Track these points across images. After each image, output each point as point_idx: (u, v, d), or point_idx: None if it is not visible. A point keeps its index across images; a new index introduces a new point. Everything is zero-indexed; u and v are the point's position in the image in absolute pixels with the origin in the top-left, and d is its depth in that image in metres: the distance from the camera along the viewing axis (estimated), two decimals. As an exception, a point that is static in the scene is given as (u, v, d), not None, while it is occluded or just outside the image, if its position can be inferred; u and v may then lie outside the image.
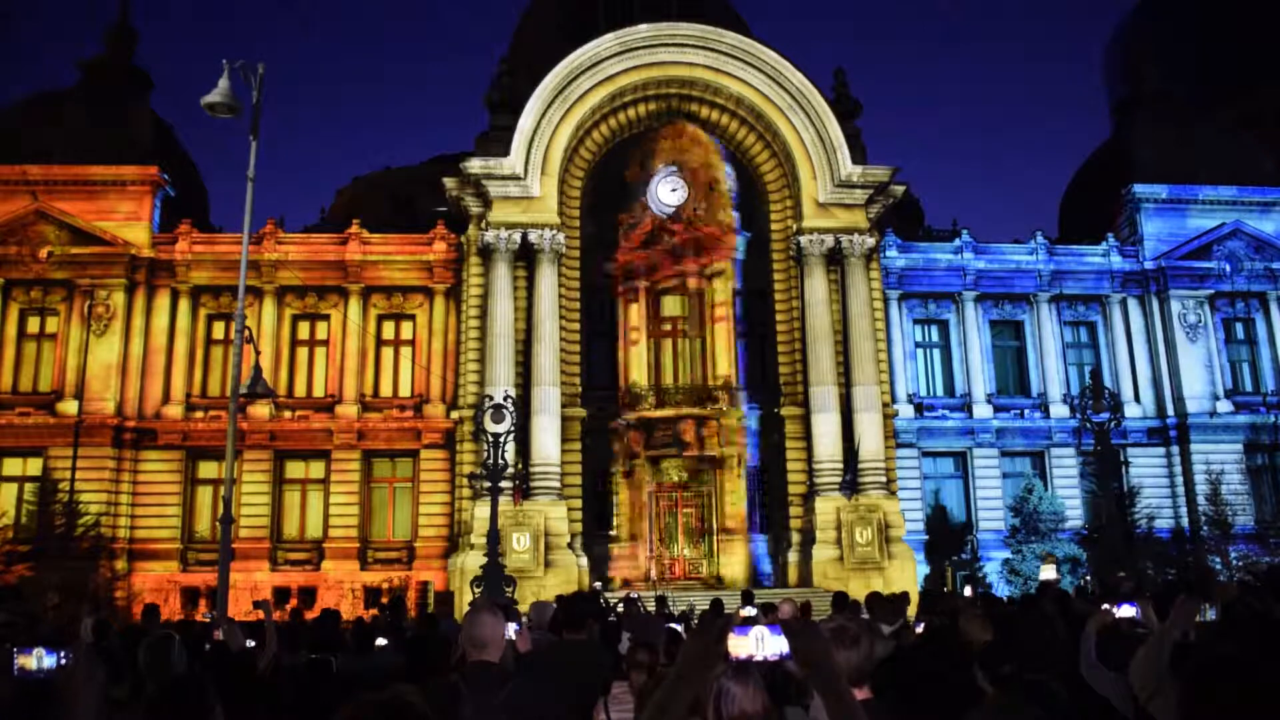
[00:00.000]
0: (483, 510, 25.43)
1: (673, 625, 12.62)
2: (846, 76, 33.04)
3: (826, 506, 28.92)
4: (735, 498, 30.84)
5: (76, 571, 26.85)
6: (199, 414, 31.65)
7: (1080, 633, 5.68)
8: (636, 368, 31.53)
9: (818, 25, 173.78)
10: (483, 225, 30.46)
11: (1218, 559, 30.40)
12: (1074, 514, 32.63)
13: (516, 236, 29.93)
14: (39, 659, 3.86)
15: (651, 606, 18.89)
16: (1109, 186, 37.27)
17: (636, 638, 6.72)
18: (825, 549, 28.57)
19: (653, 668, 5.10)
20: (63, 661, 3.85)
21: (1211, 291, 35.37)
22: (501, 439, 22.53)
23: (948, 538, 31.80)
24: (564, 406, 29.55)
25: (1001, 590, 28.65)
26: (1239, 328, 36.08)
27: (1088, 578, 28.46)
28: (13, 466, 30.67)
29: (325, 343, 32.96)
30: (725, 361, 31.60)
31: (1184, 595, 6.28)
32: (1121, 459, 33.45)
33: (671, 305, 32.67)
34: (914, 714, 4.44)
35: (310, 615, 15.72)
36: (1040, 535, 30.70)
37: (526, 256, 30.27)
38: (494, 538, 21.95)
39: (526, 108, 30.38)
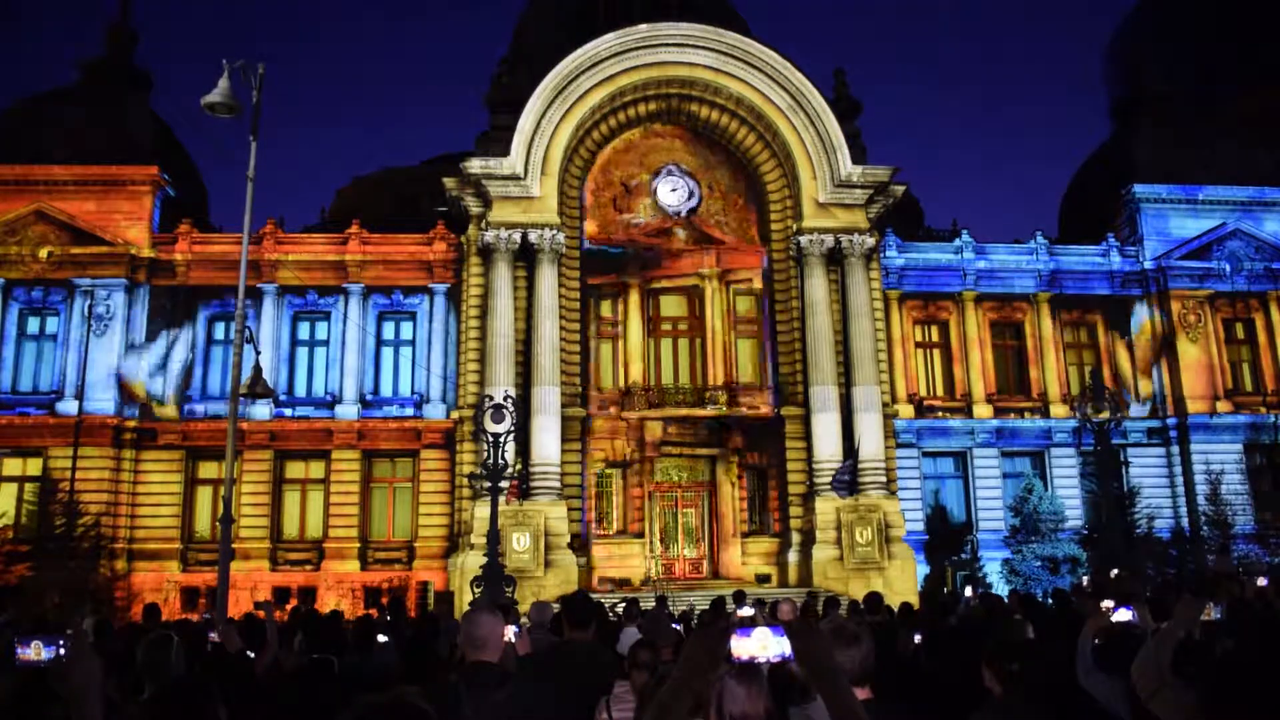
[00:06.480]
0: (483, 510, 25.43)
1: (674, 626, 12.60)
2: (846, 76, 33.04)
3: (826, 506, 28.91)
4: (734, 498, 30.88)
5: (76, 571, 26.83)
6: (199, 414, 31.66)
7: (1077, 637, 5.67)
8: (636, 367, 31.55)
9: (818, 25, 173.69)
10: (483, 225, 30.44)
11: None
12: (1074, 514, 32.59)
13: (516, 236, 29.91)
14: (38, 651, 3.89)
15: (651, 606, 18.83)
16: (1109, 186, 37.26)
17: (646, 636, 6.71)
18: (825, 549, 28.57)
19: (655, 667, 5.10)
20: (60, 652, 3.87)
21: (1211, 291, 35.38)
22: (501, 439, 22.50)
23: (948, 538, 31.78)
24: (564, 406, 29.53)
25: (1001, 590, 28.60)
26: (1239, 328, 36.09)
27: (1086, 579, 28.42)
28: (13, 466, 30.64)
29: (325, 343, 32.98)
30: (725, 361, 31.65)
31: (1187, 595, 6.28)
32: (1121, 459, 33.45)
33: (671, 305, 32.70)
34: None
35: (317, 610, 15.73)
36: (1040, 535, 30.64)
37: (526, 256, 30.25)
38: (494, 538, 21.94)
39: (526, 108, 30.37)
